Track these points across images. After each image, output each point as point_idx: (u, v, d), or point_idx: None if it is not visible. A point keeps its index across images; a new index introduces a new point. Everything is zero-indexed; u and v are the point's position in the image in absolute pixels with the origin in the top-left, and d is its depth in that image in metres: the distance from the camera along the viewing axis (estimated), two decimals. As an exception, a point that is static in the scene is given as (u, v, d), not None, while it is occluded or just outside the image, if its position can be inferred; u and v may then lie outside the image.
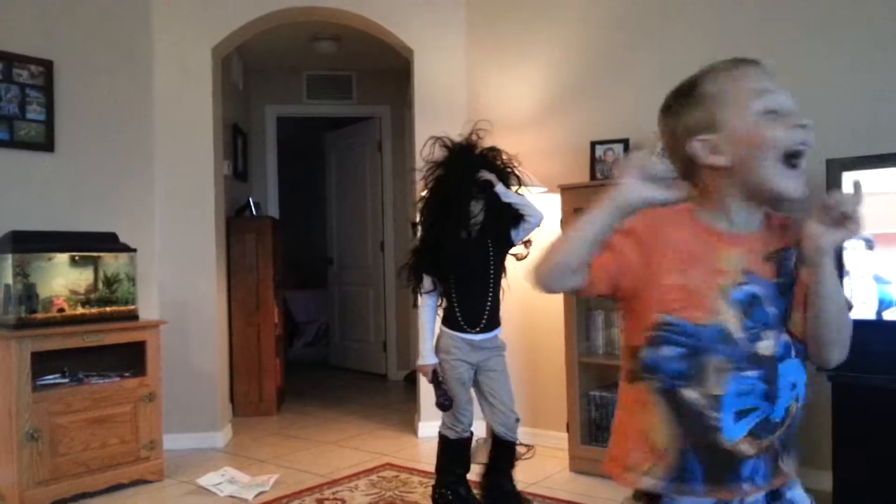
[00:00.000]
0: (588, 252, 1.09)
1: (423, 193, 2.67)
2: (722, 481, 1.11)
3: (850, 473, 2.30)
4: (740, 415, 1.09)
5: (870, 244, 2.27)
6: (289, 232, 6.04)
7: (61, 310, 3.06)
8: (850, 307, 1.14)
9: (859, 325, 1.18)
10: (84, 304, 3.13)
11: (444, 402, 2.55)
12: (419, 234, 2.68)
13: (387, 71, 5.63)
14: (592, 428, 3.22)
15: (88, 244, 3.18)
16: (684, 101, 1.16)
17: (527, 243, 2.71)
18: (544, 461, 3.39)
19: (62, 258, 3.09)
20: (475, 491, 2.69)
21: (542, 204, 3.65)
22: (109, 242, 3.27)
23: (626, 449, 1.18)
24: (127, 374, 3.18)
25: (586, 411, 3.22)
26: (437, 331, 2.66)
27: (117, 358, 3.20)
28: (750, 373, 1.08)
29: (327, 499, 2.91)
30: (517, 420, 2.68)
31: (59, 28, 3.42)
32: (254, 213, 4.95)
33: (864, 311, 2.33)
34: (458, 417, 2.62)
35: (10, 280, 2.92)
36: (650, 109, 3.46)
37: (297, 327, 7.75)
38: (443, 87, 4.01)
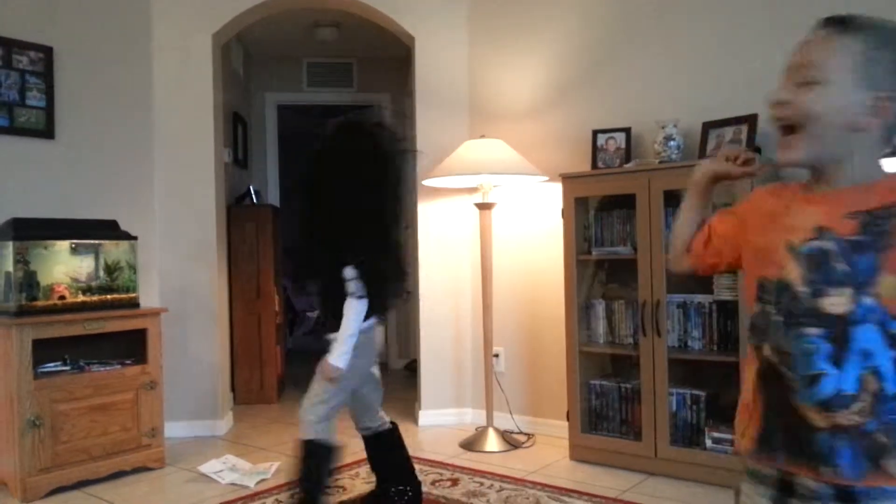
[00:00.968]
0: (689, 233, 1.34)
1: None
2: (797, 450, 1.08)
3: None
4: (810, 380, 1.06)
5: None
6: (290, 220, 6.02)
7: (62, 297, 3.06)
8: None
9: None
10: (85, 291, 3.12)
11: None
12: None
13: (388, 59, 5.60)
14: (593, 417, 3.23)
15: (89, 232, 3.17)
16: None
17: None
18: (544, 450, 3.40)
19: (63, 246, 3.08)
20: None
21: (544, 192, 3.66)
22: (110, 230, 3.26)
23: (739, 414, 1.21)
24: (128, 362, 3.18)
25: (587, 400, 3.23)
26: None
27: (118, 346, 3.20)
28: (813, 330, 1.07)
29: (327, 486, 2.90)
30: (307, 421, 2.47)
31: (58, 14, 3.39)
32: (254, 201, 4.94)
33: None
34: None
35: (10, 268, 2.91)
36: (652, 98, 3.48)
37: (297, 316, 7.76)
38: (444, 75, 3.99)
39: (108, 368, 3.10)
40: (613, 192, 3.12)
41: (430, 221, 4.00)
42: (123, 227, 3.33)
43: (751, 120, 2.82)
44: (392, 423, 2.67)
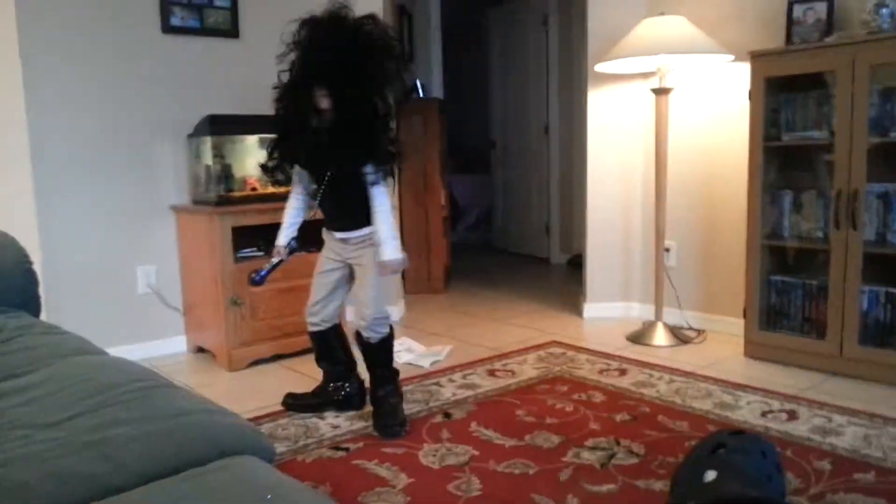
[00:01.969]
0: None
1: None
2: None
3: None
4: None
5: None
6: (452, 115, 6.07)
7: (254, 189, 3.31)
8: None
9: None
10: (273, 183, 3.35)
11: (254, 278, 2.59)
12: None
13: (553, -60, 5.32)
14: (772, 314, 3.08)
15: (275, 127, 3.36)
16: None
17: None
18: (715, 346, 3.32)
19: (252, 140, 3.30)
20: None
21: (728, 74, 3.40)
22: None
23: None
24: (313, 249, 3.41)
25: (766, 297, 3.08)
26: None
27: (303, 234, 3.43)
28: None
29: (498, 370, 3.03)
30: (375, 318, 2.43)
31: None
32: (420, 94, 5.00)
33: None
34: (310, 310, 2.63)
35: (210, 161, 3.18)
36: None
37: (460, 211, 7.92)
38: (617, -49, 3.73)
39: (295, 254, 3.34)
40: (811, 69, 2.83)
41: (601, 109, 3.85)
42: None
43: None
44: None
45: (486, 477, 2.02)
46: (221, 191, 3.19)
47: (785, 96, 3.00)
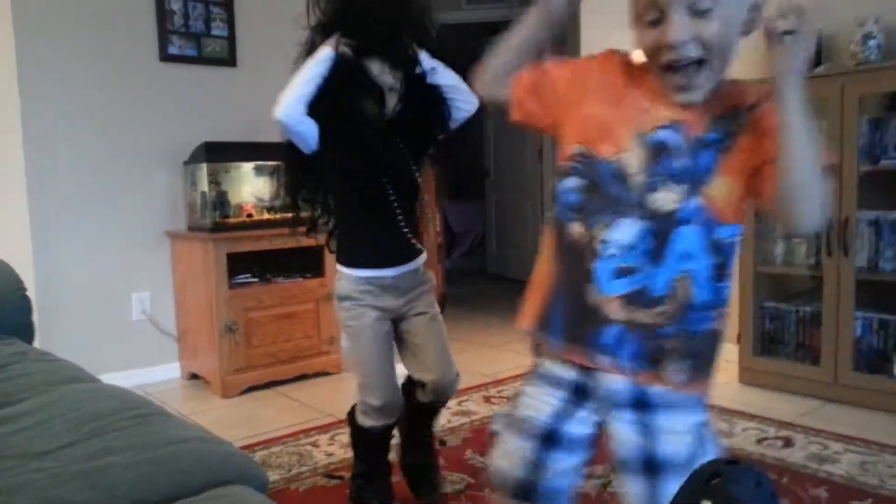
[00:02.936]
0: (517, 57, 1.13)
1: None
2: (579, 339, 1.04)
3: None
4: (619, 272, 1.01)
5: None
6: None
7: (250, 215, 3.32)
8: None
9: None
10: (268, 210, 3.37)
11: None
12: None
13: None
14: (766, 340, 3.09)
15: (270, 154, 3.38)
16: None
17: (450, 144, 1.96)
18: (711, 372, 3.31)
19: (248, 167, 3.32)
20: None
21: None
22: (287, 152, 3.46)
23: (529, 292, 1.14)
24: (308, 275, 3.42)
25: (760, 323, 3.09)
26: None
27: (299, 260, 3.45)
28: (638, 222, 1.00)
29: (493, 396, 3.03)
30: (457, 375, 1.93)
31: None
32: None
33: None
34: (372, 392, 1.82)
35: (205, 187, 3.19)
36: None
37: (454, 237, 7.94)
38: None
39: (291, 280, 3.36)
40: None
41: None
42: (299, 148, 3.51)
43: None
44: None
45: (481, 505, 2.01)
46: (217, 217, 3.20)
47: (776, 125, 3.04)
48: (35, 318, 2.09)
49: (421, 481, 2.00)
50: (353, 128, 1.75)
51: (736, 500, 1.64)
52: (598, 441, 1.14)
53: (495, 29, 5.62)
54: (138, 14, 3.27)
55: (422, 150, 1.92)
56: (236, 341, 3.16)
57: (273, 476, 2.23)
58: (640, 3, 1.00)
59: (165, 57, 3.32)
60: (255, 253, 3.23)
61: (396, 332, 1.89)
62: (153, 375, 3.39)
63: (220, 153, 3.23)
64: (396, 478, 2.03)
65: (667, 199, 1.01)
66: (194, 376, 3.42)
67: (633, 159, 1.02)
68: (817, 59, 2.92)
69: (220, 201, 3.25)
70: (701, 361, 1.07)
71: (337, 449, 2.47)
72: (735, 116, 1.03)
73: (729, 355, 3.30)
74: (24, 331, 2.01)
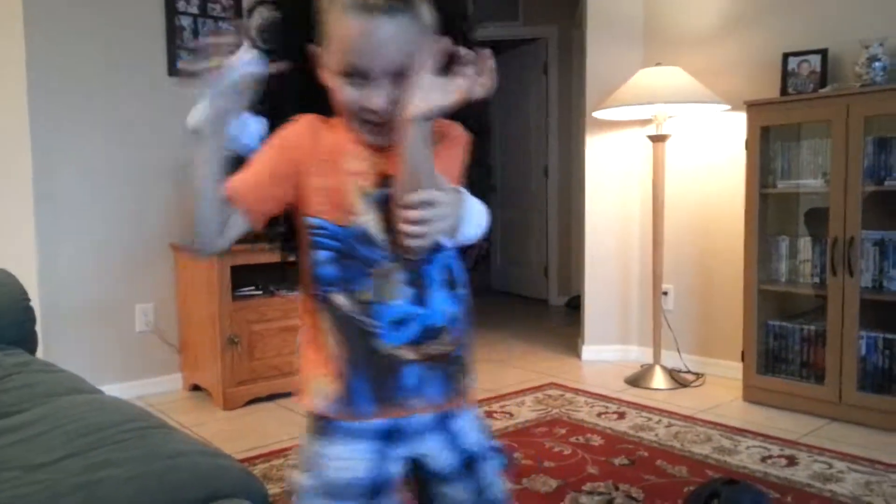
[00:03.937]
0: (219, 186, 1.00)
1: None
2: (388, 395, 1.05)
3: None
4: (398, 323, 1.04)
5: None
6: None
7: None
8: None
9: None
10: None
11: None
12: None
13: (553, -12, 5.44)
14: (770, 358, 3.08)
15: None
16: None
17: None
18: (714, 390, 3.30)
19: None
20: None
21: (724, 123, 3.45)
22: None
23: (303, 370, 1.11)
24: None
25: (764, 341, 3.08)
26: None
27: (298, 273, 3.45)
28: (396, 275, 1.03)
29: (496, 411, 3.02)
30: None
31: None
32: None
33: None
34: None
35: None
36: (853, 14, 3.14)
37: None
38: (617, 0, 3.82)
39: (294, 293, 3.36)
40: (805, 119, 2.88)
41: (599, 154, 3.90)
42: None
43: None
44: None
45: (482, 522, 1.99)
46: (222, 230, 3.21)
47: (780, 145, 3.04)
48: (38, 328, 2.10)
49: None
50: None
51: (735, 520, 1.63)
52: (407, 478, 1.16)
53: (498, 45, 5.66)
54: (148, 29, 3.30)
55: None
56: (238, 353, 3.16)
57: (273, 489, 2.22)
58: (341, 62, 0.99)
59: (174, 71, 3.35)
60: (259, 265, 3.23)
61: None
62: (155, 387, 3.39)
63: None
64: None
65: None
66: (196, 388, 3.42)
67: (368, 219, 1.03)
68: (821, 80, 2.93)
69: (225, 214, 3.25)
70: (473, 368, 1.15)
71: (338, 463, 2.46)
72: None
73: (732, 373, 3.29)
74: (28, 341, 2.02)
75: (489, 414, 2.99)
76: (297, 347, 1.15)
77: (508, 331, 4.80)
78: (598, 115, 3.61)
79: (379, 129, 1.02)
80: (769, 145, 3.05)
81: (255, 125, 1.34)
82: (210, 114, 0.99)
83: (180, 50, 3.34)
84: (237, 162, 1.09)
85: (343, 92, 1.00)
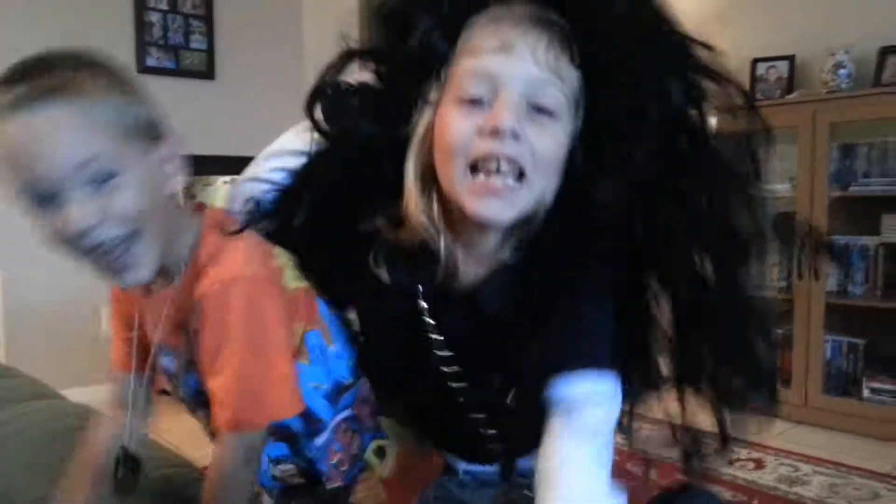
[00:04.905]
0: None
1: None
2: None
3: None
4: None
5: None
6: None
7: (224, 229, 3.29)
8: None
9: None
10: (244, 223, 3.34)
11: None
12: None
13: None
14: (738, 362, 3.12)
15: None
16: None
17: None
18: (684, 393, 3.33)
19: (223, 181, 3.30)
20: None
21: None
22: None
23: None
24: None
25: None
26: None
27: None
28: None
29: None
30: None
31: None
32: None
33: None
34: None
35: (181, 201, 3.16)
36: (820, 21, 3.18)
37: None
38: None
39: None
40: (773, 125, 2.92)
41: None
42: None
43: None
44: None
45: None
46: (191, 231, 3.17)
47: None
48: (0, 333, 2.05)
49: None
50: None
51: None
52: None
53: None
54: (116, 25, 3.25)
55: None
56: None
57: (241, 495, 2.19)
58: None
59: (143, 69, 3.30)
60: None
61: None
62: (122, 390, 3.33)
63: (197, 166, 3.18)
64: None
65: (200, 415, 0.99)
66: (164, 392, 3.36)
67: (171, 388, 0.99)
68: (789, 86, 2.97)
69: (195, 215, 3.21)
70: None
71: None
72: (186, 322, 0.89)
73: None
74: (-12, 345, 1.97)
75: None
76: None
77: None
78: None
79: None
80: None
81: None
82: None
83: (149, 46, 3.29)
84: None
85: None
